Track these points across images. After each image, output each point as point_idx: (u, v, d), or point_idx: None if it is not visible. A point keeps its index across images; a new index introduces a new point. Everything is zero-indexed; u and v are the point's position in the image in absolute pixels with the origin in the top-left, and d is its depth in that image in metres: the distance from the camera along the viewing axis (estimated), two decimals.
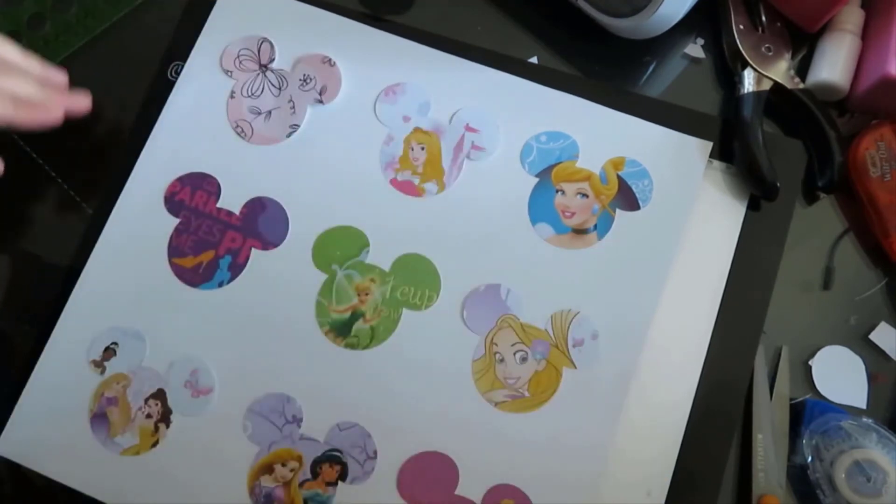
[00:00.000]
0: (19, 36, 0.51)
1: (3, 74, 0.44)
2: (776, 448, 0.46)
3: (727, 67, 0.53)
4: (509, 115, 0.51)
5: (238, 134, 0.51)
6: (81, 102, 0.47)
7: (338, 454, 0.45)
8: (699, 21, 0.53)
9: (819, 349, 0.48)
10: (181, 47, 0.53)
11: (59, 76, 0.47)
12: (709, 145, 0.49)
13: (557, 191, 0.49)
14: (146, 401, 0.47)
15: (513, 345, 0.47)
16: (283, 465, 0.45)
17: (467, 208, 0.49)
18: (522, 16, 0.54)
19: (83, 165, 0.52)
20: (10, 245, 0.51)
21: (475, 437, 0.45)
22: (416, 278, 0.48)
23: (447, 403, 0.46)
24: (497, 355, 0.47)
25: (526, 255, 0.48)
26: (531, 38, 0.54)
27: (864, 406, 0.48)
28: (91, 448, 0.46)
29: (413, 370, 0.47)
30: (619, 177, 0.49)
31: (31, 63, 0.45)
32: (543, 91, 0.51)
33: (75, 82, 0.53)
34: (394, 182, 0.50)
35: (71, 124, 0.50)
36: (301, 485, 0.45)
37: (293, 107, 0.51)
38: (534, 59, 0.53)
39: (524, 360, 0.46)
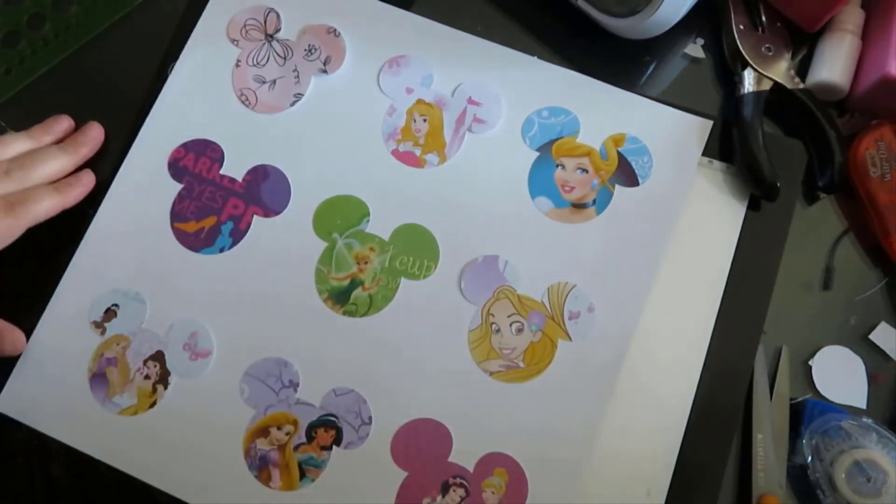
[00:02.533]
0: (19, 36, 0.51)
1: (31, 165, 0.48)
2: (776, 448, 0.46)
3: (727, 67, 0.53)
4: (512, 89, 0.51)
5: (242, 102, 0.51)
6: (96, 133, 0.52)
7: (333, 419, 0.46)
8: (699, 21, 0.53)
9: (819, 349, 0.48)
10: (181, 47, 0.53)
11: (63, 124, 0.51)
12: (709, 123, 0.50)
13: (557, 165, 0.50)
14: (145, 362, 0.47)
15: (509, 316, 0.47)
16: (279, 428, 0.46)
17: (468, 180, 0.49)
18: (522, 16, 0.55)
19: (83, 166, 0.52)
20: None
21: (469, 406, 0.46)
22: (416, 248, 0.48)
23: (442, 372, 0.46)
24: (493, 326, 0.47)
25: (524, 228, 0.48)
26: (531, 37, 0.54)
27: (864, 406, 0.48)
28: (89, 407, 0.47)
29: (410, 339, 0.47)
30: (619, 153, 0.49)
31: (41, 136, 0.50)
32: (546, 66, 0.51)
33: (75, 82, 0.54)
34: (395, 153, 0.50)
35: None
36: (296, 448, 0.46)
37: (297, 76, 0.52)
38: (533, 58, 0.53)
39: (520, 331, 0.47)
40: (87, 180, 0.50)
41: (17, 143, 0.50)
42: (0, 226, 0.46)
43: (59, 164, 0.49)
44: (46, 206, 0.48)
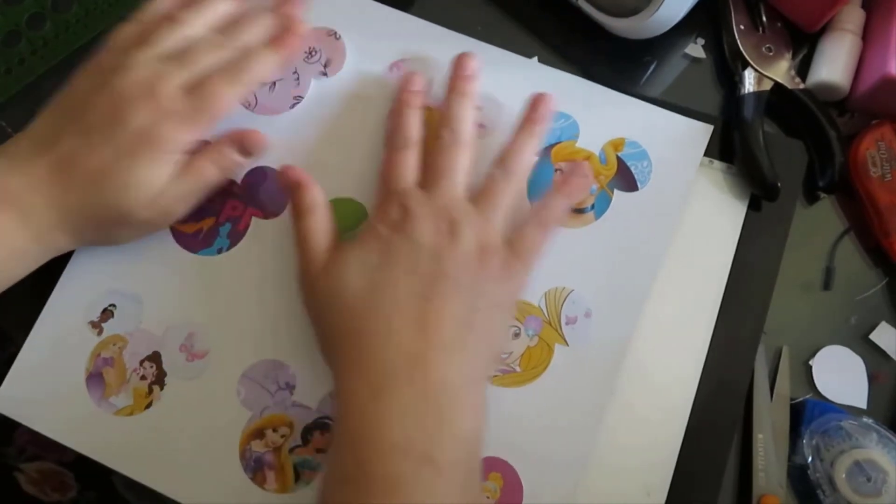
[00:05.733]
0: (19, 35, 0.51)
1: (242, 30, 0.47)
2: (776, 448, 0.46)
3: (727, 67, 0.53)
4: (511, 93, 0.51)
5: (242, 104, 0.51)
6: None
7: (329, 422, 0.46)
8: (699, 21, 0.53)
9: (819, 349, 0.49)
10: None
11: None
12: (709, 128, 0.49)
13: (556, 170, 0.49)
14: (141, 363, 0.47)
15: None
16: (275, 430, 0.46)
17: None
18: (523, 15, 0.55)
19: None
20: None
21: None
22: None
23: None
24: None
25: None
26: (531, 37, 0.54)
27: (864, 406, 0.48)
28: (85, 407, 0.47)
29: None
30: (618, 158, 0.49)
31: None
32: (546, 70, 0.51)
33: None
34: None
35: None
36: (291, 451, 0.46)
37: (297, 78, 0.52)
38: (534, 59, 0.53)
39: (517, 335, 0.47)
40: (299, 29, 0.48)
41: (220, 5, 0.47)
42: (226, 97, 0.44)
43: (269, 23, 0.47)
44: (269, 67, 0.46)
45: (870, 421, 0.46)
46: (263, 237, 0.49)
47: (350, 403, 0.39)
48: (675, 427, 0.45)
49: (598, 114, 0.50)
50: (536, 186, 0.49)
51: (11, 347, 0.48)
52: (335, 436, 0.40)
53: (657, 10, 0.48)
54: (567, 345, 0.46)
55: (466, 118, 0.46)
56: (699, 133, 0.50)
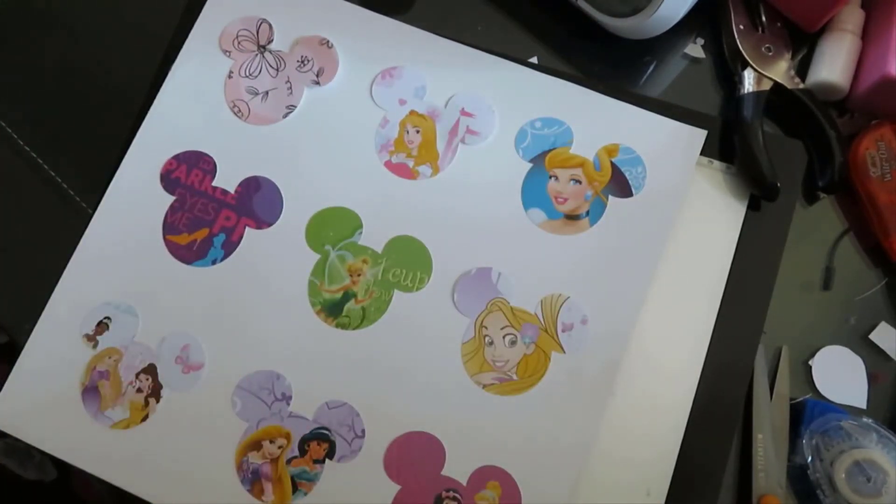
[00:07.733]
0: None
1: None
2: (776, 448, 0.46)
3: (727, 67, 0.53)
4: (505, 100, 0.51)
5: (235, 114, 0.51)
6: None
7: (326, 432, 0.46)
8: (699, 21, 0.53)
9: (819, 349, 0.49)
10: (181, 49, 0.53)
11: None
12: (703, 134, 0.49)
13: (551, 177, 0.49)
14: (137, 375, 0.47)
15: (502, 328, 0.47)
16: (271, 441, 0.46)
17: (461, 192, 0.49)
18: (523, 16, 0.55)
19: (83, 167, 0.52)
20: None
21: (462, 419, 0.46)
22: (409, 260, 0.48)
23: (436, 385, 0.46)
24: (486, 338, 0.47)
25: (518, 240, 0.48)
26: (531, 38, 0.54)
27: (864, 406, 0.48)
28: (82, 421, 0.47)
29: (403, 351, 0.47)
30: (612, 164, 0.49)
31: None
32: (539, 77, 0.51)
33: (75, 85, 0.54)
34: (388, 164, 0.50)
35: (71, 124, 0.52)
36: (288, 462, 0.45)
37: (290, 88, 0.51)
38: (534, 59, 0.53)
39: (513, 343, 0.47)
40: None
41: None
42: None
43: None
44: None
45: (869, 421, 0.46)
46: (257, 247, 0.49)
47: None
48: (675, 427, 0.45)
49: (592, 119, 0.50)
50: (531, 194, 0.49)
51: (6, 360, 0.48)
52: None
53: (657, 10, 0.48)
54: (564, 352, 0.46)
55: None
56: (693, 138, 0.49)
